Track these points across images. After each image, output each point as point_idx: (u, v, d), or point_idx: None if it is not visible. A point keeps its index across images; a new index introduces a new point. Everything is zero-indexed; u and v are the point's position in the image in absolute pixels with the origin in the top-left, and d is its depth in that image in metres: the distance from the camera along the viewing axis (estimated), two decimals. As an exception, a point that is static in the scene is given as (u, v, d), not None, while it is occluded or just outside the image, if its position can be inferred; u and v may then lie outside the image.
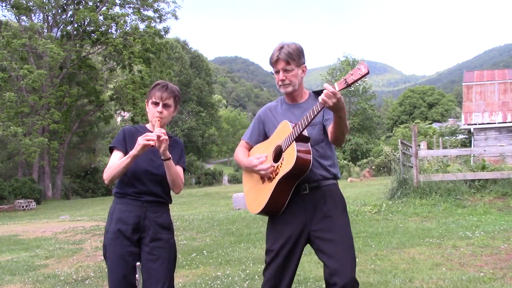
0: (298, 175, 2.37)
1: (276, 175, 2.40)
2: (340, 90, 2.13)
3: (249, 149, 2.69)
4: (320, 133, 2.48)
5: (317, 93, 2.59)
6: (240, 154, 2.66)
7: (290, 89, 2.50)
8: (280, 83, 2.49)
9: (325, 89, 2.15)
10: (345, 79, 2.13)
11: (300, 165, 2.31)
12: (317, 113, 2.25)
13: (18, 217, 14.94)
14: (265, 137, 2.64)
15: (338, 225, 2.44)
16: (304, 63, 2.52)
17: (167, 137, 2.33)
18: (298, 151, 2.30)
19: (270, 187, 2.43)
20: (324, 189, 2.49)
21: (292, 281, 2.53)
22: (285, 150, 2.38)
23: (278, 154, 2.45)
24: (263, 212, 2.51)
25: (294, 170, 2.31)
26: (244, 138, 2.72)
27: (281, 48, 2.46)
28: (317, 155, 2.45)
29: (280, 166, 2.39)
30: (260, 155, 2.49)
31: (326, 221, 2.43)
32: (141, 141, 2.28)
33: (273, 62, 2.48)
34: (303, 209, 2.45)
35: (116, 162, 2.40)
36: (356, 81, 2.10)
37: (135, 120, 27.05)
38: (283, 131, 2.44)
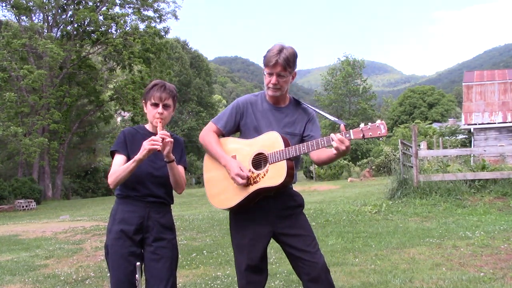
0: (279, 189, 2.45)
1: (255, 182, 2.42)
2: (354, 139, 2.21)
3: (219, 135, 2.63)
4: (297, 144, 2.51)
5: (297, 101, 2.66)
6: (213, 141, 2.57)
7: (278, 93, 2.52)
8: (271, 86, 2.49)
9: (340, 133, 2.24)
10: (363, 132, 2.20)
11: (286, 182, 2.39)
12: (321, 147, 2.33)
13: (18, 217, 14.93)
14: (238, 127, 2.62)
15: (302, 220, 2.57)
16: (295, 69, 2.54)
17: (171, 139, 2.33)
18: (288, 169, 2.35)
19: (244, 191, 2.45)
20: (286, 192, 2.57)
21: (266, 277, 2.60)
22: (272, 163, 2.40)
23: (259, 162, 2.46)
24: (228, 209, 2.56)
25: (279, 186, 2.38)
26: (217, 124, 2.62)
27: (280, 51, 2.43)
28: None
29: (263, 177, 2.41)
30: (244, 168, 2.44)
31: (290, 219, 2.54)
32: (146, 145, 2.28)
33: (271, 65, 2.44)
34: (267, 209, 2.52)
35: (120, 167, 2.39)
36: (372, 137, 2.20)
37: (135, 120, 27.04)
38: (270, 142, 2.43)
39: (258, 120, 2.56)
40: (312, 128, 2.57)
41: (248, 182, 2.44)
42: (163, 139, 2.29)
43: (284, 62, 2.42)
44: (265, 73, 2.51)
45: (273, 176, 2.38)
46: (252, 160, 2.47)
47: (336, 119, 2.47)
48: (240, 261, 2.54)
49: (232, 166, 2.45)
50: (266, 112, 2.58)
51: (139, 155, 2.31)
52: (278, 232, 2.52)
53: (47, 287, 4.70)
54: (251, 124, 2.57)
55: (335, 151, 2.25)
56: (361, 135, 2.19)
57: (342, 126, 2.25)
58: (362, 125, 2.22)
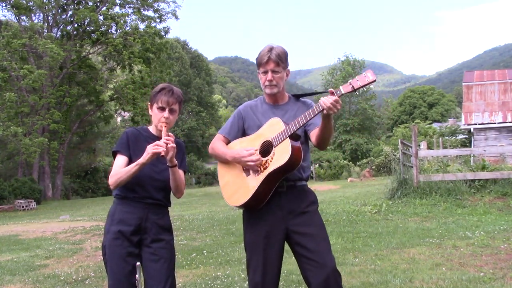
0: (288, 171, 2.44)
1: (264, 169, 2.45)
2: (345, 93, 2.26)
3: (227, 144, 2.69)
4: (302, 135, 2.57)
5: (296, 96, 2.71)
6: (220, 146, 2.66)
7: (275, 90, 2.57)
8: (267, 83, 2.55)
9: (329, 93, 2.28)
10: (351, 84, 2.26)
11: (293, 161, 2.39)
12: (315, 115, 2.36)
13: (18, 217, 14.94)
14: (243, 133, 2.67)
15: (315, 219, 2.55)
16: (288, 67, 2.61)
17: (174, 144, 2.35)
18: (292, 147, 2.37)
19: (256, 180, 2.46)
20: (299, 188, 2.58)
21: (279, 277, 2.57)
22: (276, 145, 2.43)
23: (266, 149, 2.49)
24: (245, 205, 2.54)
25: (286, 165, 2.38)
26: (222, 133, 2.71)
27: (271, 49, 2.53)
28: None
29: (270, 161, 2.44)
30: (249, 148, 2.51)
31: (304, 217, 2.52)
32: (150, 150, 2.29)
33: (264, 63, 2.52)
34: (280, 206, 2.52)
35: (122, 168, 2.40)
36: (362, 86, 2.25)
37: (135, 120, 27.04)
38: (273, 127, 2.49)
39: (260, 119, 2.61)
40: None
41: (259, 170, 2.46)
42: (166, 144, 2.31)
43: (276, 58, 2.50)
44: (259, 73, 2.58)
45: (279, 156, 2.40)
46: (260, 151, 2.51)
47: (326, 91, 2.52)
48: (254, 260, 2.53)
49: (238, 152, 2.52)
50: (267, 112, 2.63)
51: (142, 159, 2.32)
52: (291, 229, 2.50)
53: (47, 287, 4.71)
54: (254, 125, 2.62)
55: (325, 112, 2.29)
56: (351, 87, 2.25)
57: (330, 90, 2.30)
58: (350, 79, 2.29)
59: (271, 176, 2.42)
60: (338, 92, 2.28)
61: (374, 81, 2.21)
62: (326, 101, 2.26)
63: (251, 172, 2.51)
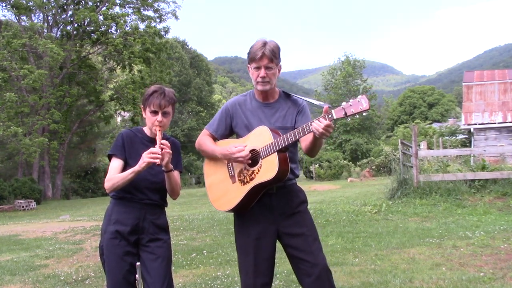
0: (275, 183, 2.42)
1: (251, 180, 2.41)
2: (337, 118, 2.18)
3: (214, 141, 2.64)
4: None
5: (287, 94, 2.64)
6: (208, 142, 2.61)
7: (268, 87, 2.50)
8: (259, 80, 2.47)
9: (324, 113, 2.19)
10: (344, 110, 2.17)
11: (280, 176, 2.36)
12: (304, 135, 2.30)
13: (18, 217, 14.93)
14: (231, 130, 2.63)
15: (306, 219, 2.53)
16: (280, 63, 2.53)
17: (170, 151, 2.34)
18: (279, 162, 2.33)
19: (242, 190, 2.44)
20: (289, 188, 2.55)
21: (272, 279, 2.56)
22: (264, 157, 2.39)
23: (253, 158, 2.44)
24: (231, 211, 2.53)
25: (273, 180, 2.36)
26: (209, 129, 2.64)
27: (264, 44, 2.44)
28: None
29: (257, 172, 2.40)
30: (238, 144, 2.46)
31: (294, 218, 2.50)
32: (146, 158, 2.28)
33: (257, 59, 2.43)
34: (270, 207, 2.50)
35: (118, 174, 2.40)
36: (354, 114, 2.15)
37: (135, 120, 27.05)
38: (260, 136, 2.42)
39: (248, 118, 2.55)
40: (302, 119, 2.53)
41: (245, 180, 2.44)
42: (162, 149, 2.30)
43: (270, 54, 2.42)
44: (251, 69, 2.49)
45: (266, 170, 2.37)
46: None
47: (322, 103, 2.39)
48: (246, 262, 2.51)
49: (227, 149, 2.46)
50: (256, 109, 2.57)
51: (138, 167, 2.32)
52: (282, 231, 2.49)
53: (47, 287, 4.71)
54: (242, 124, 2.57)
55: (317, 136, 2.23)
56: (343, 113, 2.17)
57: (325, 108, 2.21)
58: (343, 103, 2.19)
59: (257, 187, 2.41)
60: (330, 116, 2.19)
61: (368, 110, 2.14)
62: (318, 126, 2.18)
63: (237, 179, 2.48)
